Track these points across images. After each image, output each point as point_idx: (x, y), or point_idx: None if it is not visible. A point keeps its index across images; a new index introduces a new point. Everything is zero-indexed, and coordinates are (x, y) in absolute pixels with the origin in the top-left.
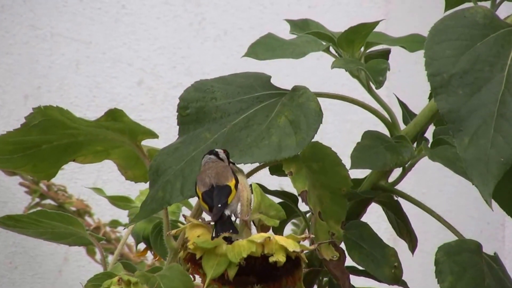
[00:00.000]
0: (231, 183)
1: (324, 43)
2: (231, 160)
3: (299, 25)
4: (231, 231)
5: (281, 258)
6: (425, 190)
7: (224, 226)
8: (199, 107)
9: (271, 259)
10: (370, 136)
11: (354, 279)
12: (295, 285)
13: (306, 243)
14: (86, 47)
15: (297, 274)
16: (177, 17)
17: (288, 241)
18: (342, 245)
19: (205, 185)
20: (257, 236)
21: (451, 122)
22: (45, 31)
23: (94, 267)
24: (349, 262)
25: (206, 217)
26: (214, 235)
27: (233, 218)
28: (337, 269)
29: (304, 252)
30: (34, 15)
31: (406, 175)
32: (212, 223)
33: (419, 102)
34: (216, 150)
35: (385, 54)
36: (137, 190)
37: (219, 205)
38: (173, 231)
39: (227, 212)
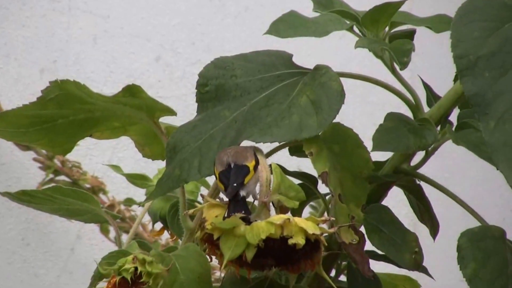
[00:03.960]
0: (250, 164)
1: (347, 22)
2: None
3: (323, 3)
4: (243, 212)
5: (300, 240)
6: (448, 175)
7: (237, 206)
8: (219, 84)
9: (290, 241)
10: (393, 118)
11: (373, 264)
12: (314, 268)
13: (325, 226)
14: (104, 21)
15: (316, 257)
16: None
17: (308, 223)
18: (362, 229)
19: (222, 164)
20: (276, 217)
21: (476, 105)
22: (63, 4)
23: (107, 246)
24: (368, 246)
25: (224, 197)
26: (226, 215)
27: (251, 200)
28: (356, 253)
29: (323, 235)
30: None
31: (429, 159)
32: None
33: (444, 85)
34: None
35: (410, 34)
36: (151, 168)
37: (234, 184)
38: (190, 211)
39: (242, 193)
